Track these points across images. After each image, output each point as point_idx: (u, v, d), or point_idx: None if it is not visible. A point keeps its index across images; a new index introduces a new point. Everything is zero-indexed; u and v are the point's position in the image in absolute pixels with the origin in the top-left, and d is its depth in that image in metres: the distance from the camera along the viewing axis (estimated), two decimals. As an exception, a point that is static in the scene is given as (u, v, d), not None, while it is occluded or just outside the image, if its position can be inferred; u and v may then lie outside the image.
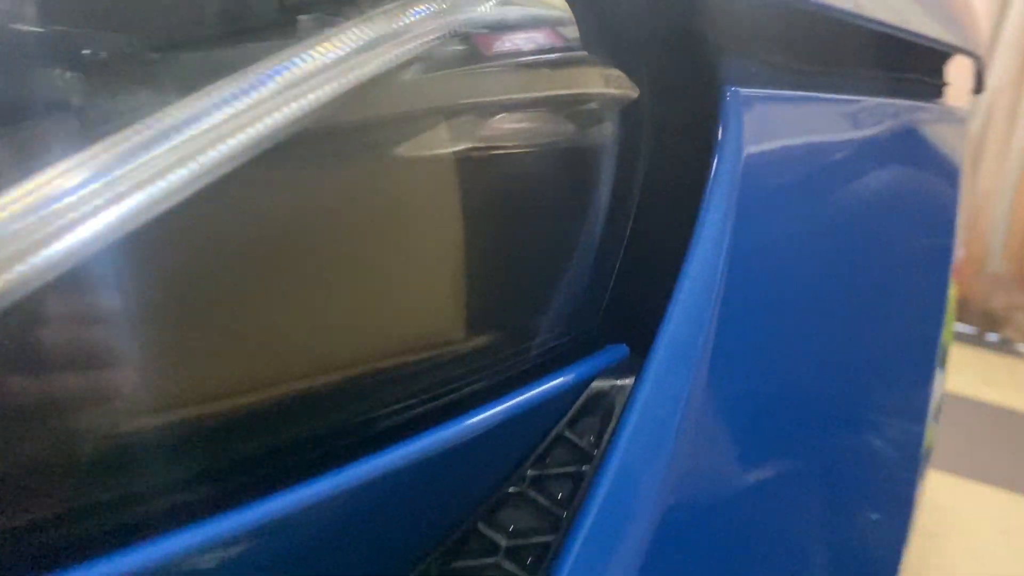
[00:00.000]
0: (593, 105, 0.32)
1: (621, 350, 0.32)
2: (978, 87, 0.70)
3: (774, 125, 0.36)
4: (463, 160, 0.27)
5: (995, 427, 1.90)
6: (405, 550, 0.29)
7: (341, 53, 0.20)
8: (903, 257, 0.51)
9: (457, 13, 0.23)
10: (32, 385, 0.17)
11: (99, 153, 0.16)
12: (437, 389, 0.28)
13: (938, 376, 0.58)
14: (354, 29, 0.20)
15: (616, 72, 0.32)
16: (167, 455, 0.21)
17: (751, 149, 0.34)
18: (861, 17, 0.40)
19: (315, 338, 0.25)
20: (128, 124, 0.16)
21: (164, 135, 0.16)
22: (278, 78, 0.18)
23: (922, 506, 0.59)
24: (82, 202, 0.15)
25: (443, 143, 0.27)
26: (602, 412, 0.30)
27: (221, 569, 0.21)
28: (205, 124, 0.17)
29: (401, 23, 0.21)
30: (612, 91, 0.32)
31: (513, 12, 0.29)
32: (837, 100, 0.43)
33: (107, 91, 0.18)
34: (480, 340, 0.30)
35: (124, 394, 0.19)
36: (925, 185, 0.55)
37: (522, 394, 0.29)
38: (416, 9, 0.22)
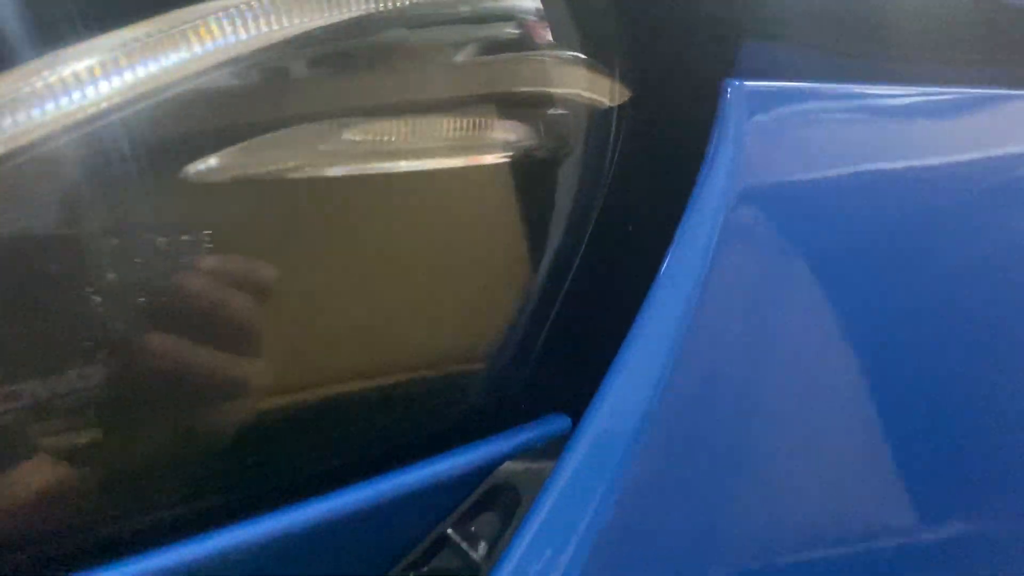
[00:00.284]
0: (552, 111, 0.24)
1: (560, 422, 0.25)
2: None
3: (800, 134, 0.27)
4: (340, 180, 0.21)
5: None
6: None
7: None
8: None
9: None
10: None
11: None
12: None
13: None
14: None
15: (582, 69, 0.24)
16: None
17: (756, 171, 0.25)
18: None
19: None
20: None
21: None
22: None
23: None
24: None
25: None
26: (503, 508, 0.23)
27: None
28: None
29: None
30: (569, 93, 0.24)
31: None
32: (915, 95, 0.33)
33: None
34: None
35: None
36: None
37: (407, 472, 0.23)
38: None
